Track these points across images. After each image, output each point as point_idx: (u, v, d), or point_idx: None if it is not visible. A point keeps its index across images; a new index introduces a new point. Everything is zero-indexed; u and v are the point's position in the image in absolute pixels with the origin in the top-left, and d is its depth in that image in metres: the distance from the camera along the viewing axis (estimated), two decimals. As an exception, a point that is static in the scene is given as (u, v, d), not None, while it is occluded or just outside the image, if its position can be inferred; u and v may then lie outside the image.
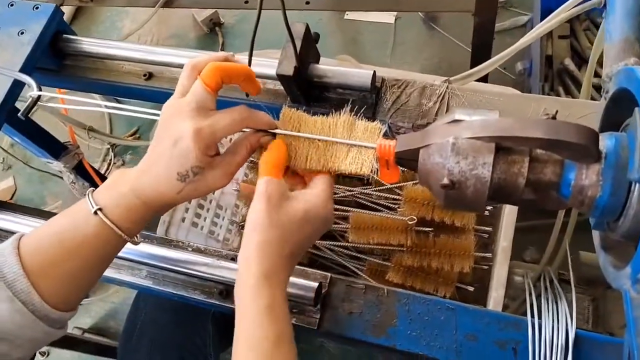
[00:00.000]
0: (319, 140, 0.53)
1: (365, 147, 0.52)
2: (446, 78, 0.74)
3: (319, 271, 0.65)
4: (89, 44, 0.83)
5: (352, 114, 0.55)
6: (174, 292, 0.67)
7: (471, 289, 0.96)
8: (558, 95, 1.50)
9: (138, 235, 0.55)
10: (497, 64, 0.78)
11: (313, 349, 1.46)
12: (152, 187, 0.51)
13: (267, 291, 0.47)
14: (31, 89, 0.65)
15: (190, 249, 0.69)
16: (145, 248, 0.66)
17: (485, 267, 0.99)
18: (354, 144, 0.52)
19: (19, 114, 0.62)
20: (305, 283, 0.59)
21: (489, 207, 0.99)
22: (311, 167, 0.54)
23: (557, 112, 0.44)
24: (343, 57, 0.99)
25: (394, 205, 1.05)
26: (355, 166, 0.52)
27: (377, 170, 0.52)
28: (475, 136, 0.45)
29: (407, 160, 0.51)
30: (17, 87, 0.81)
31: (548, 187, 0.47)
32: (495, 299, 0.87)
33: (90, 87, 0.87)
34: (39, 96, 0.64)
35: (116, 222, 0.51)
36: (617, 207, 0.44)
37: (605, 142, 0.45)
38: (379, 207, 1.06)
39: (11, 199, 1.99)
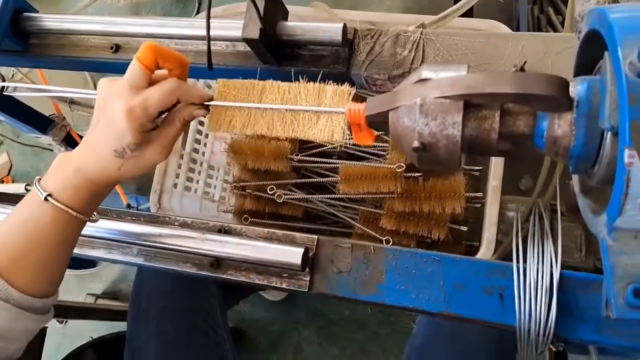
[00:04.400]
0: (285, 109, 0.52)
1: (334, 112, 0.51)
2: (421, 23, 0.71)
3: (306, 235, 0.65)
4: (50, 20, 0.80)
5: (319, 78, 0.53)
6: (167, 266, 0.68)
7: (464, 228, 0.97)
8: (549, 17, 1.44)
9: (96, 213, 0.58)
10: (473, 3, 0.75)
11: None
12: (94, 165, 0.52)
13: None
14: (-7, 80, 0.63)
15: (177, 223, 0.69)
16: (133, 227, 0.66)
17: (478, 205, 1.00)
18: (321, 110, 0.51)
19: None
20: (290, 250, 0.60)
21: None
22: (277, 135, 0.53)
23: (525, 62, 0.43)
24: (316, 4, 0.95)
25: (382, 152, 1.04)
26: (327, 134, 0.51)
27: (350, 134, 0.51)
28: (443, 95, 0.44)
29: (379, 122, 0.50)
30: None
31: (522, 139, 0.46)
32: (488, 238, 0.88)
33: (58, 64, 0.84)
34: (3, 87, 0.62)
35: (68, 204, 0.52)
36: (592, 156, 0.43)
37: (577, 88, 0.43)
38: (368, 156, 1.05)
39: (8, 174, 1.99)
